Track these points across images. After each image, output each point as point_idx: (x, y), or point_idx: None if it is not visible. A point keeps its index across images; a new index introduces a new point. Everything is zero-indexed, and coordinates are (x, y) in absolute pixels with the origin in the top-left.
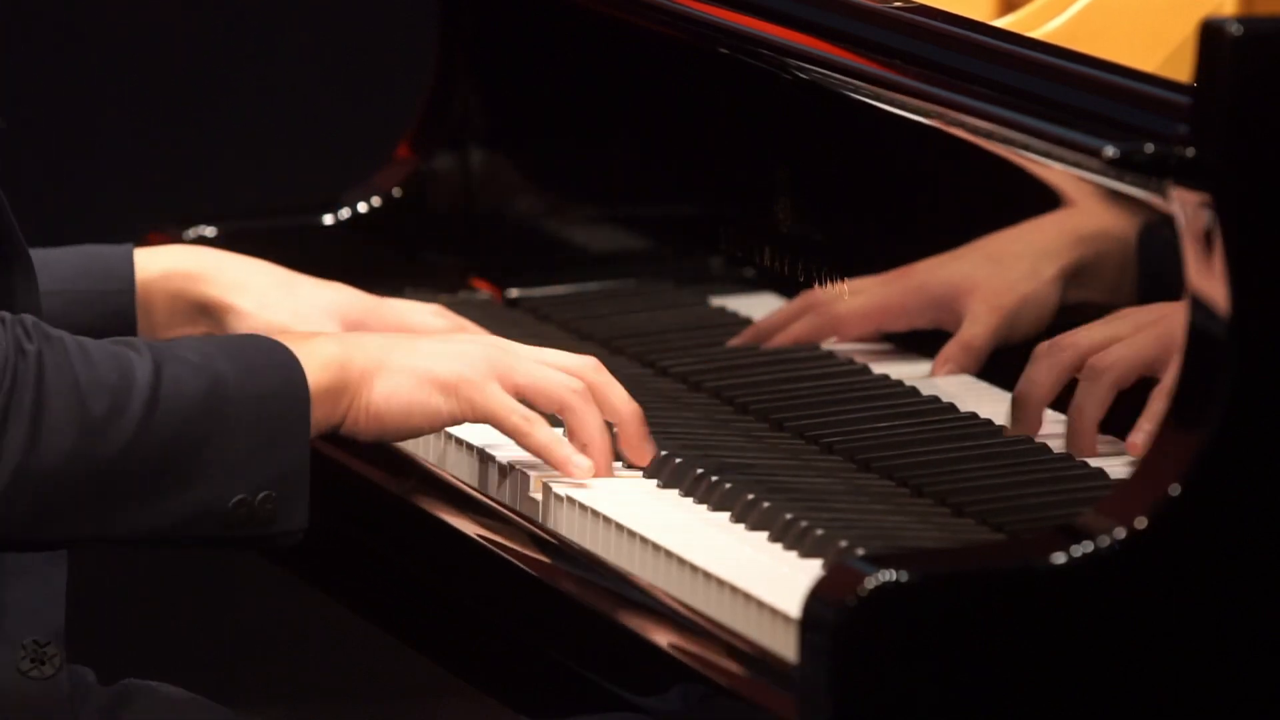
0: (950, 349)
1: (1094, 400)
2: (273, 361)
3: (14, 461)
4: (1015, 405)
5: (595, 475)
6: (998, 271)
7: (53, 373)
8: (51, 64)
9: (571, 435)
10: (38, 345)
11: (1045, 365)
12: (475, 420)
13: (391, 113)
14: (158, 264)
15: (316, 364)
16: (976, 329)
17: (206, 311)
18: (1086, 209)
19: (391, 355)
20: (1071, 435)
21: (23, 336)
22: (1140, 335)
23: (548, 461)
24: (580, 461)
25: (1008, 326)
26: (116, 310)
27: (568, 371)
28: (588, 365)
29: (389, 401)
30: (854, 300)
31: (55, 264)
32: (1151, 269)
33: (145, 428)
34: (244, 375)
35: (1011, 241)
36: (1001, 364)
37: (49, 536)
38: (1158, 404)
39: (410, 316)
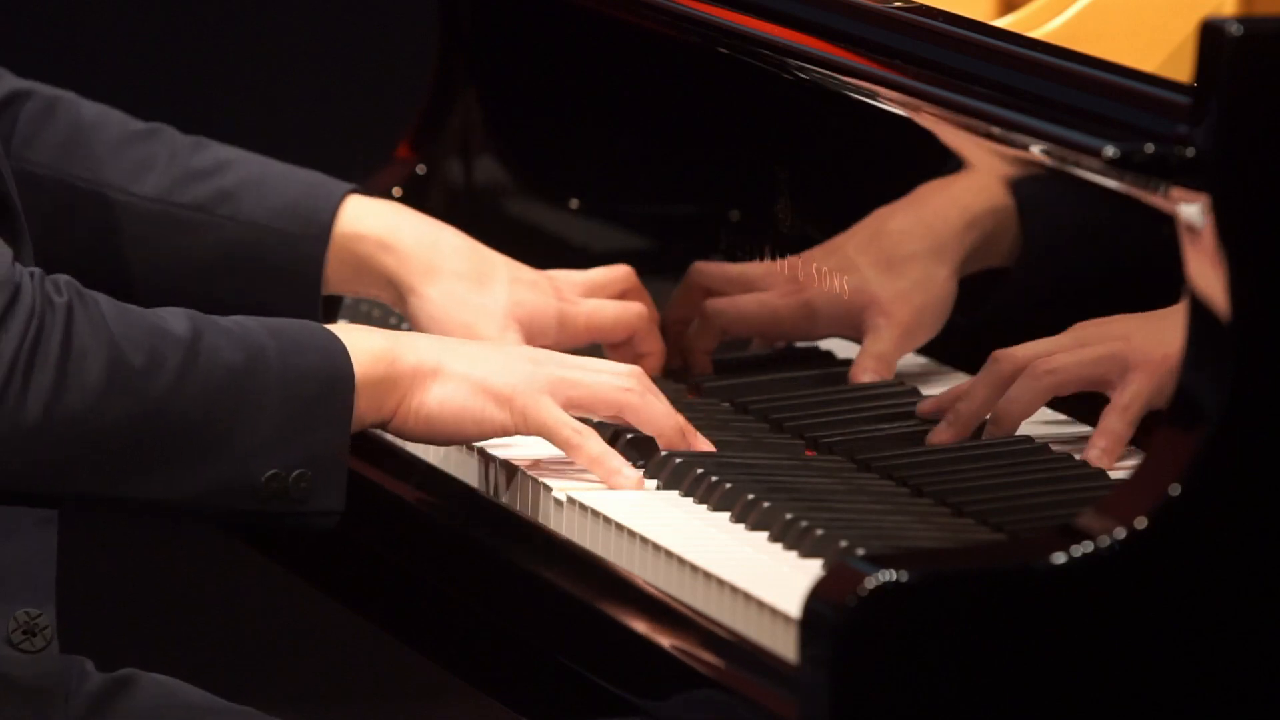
0: (864, 360)
1: (1026, 398)
2: (317, 344)
3: (37, 410)
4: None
5: (685, 446)
6: (892, 282)
7: (83, 324)
8: (52, 64)
9: (642, 429)
10: (68, 298)
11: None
12: (527, 433)
13: (391, 113)
14: (360, 221)
15: (365, 355)
16: (882, 345)
17: (392, 285)
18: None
19: (448, 360)
20: (993, 421)
21: (52, 290)
22: (1090, 350)
23: (599, 475)
24: (629, 473)
25: (911, 334)
26: (306, 257)
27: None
28: (635, 372)
29: (443, 406)
30: (745, 306)
31: (271, 186)
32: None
33: (179, 388)
34: (286, 352)
35: (901, 243)
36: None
37: (73, 490)
38: (1110, 419)
39: (605, 310)
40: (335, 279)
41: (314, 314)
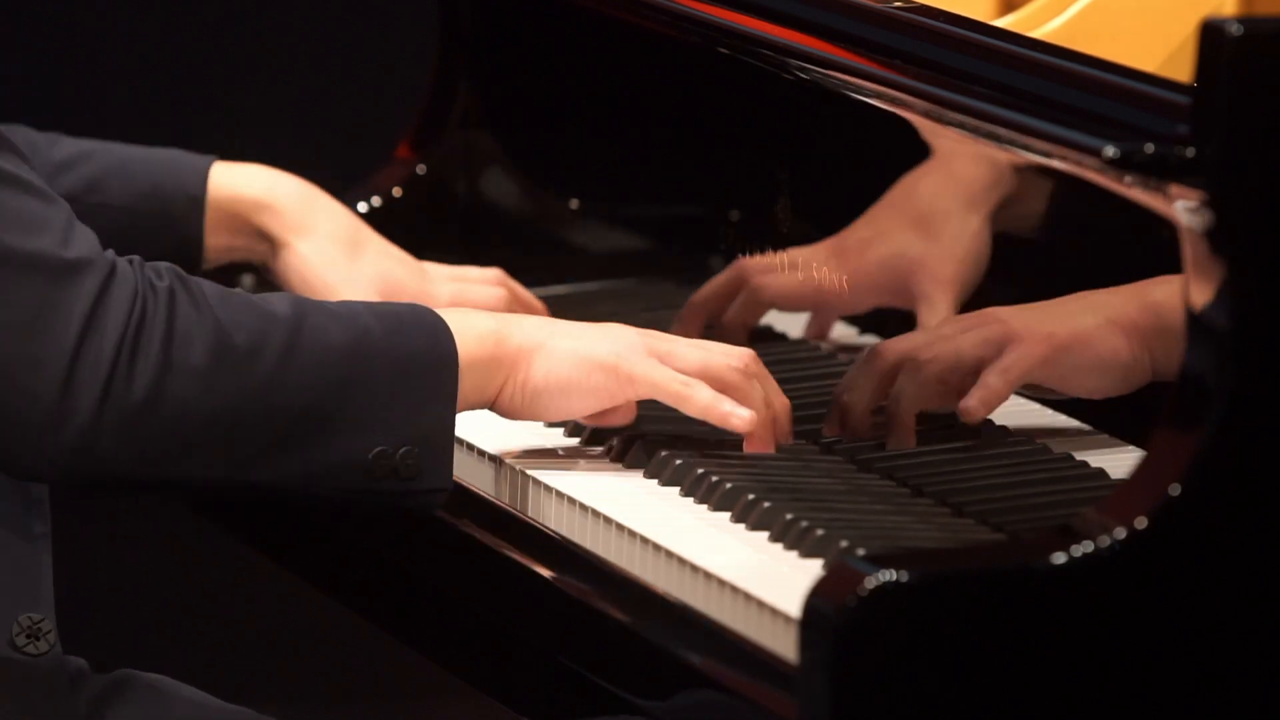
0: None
1: (911, 390)
2: (422, 324)
3: (145, 392)
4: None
5: (757, 448)
6: (933, 242)
7: (186, 308)
8: (52, 65)
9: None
10: (170, 282)
11: (866, 373)
12: (635, 396)
13: (391, 113)
14: (233, 184)
15: (471, 335)
16: (937, 313)
17: (266, 239)
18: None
19: (550, 336)
20: (886, 417)
21: (153, 275)
22: (967, 335)
23: (711, 419)
24: (742, 413)
25: (960, 291)
26: (184, 232)
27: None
28: (747, 355)
29: (548, 379)
30: (788, 279)
31: (135, 169)
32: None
33: (285, 369)
34: (390, 332)
35: (933, 201)
36: None
37: (179, 475)
38: (989, 375)
39: (469, 294)
40: (214, 246)
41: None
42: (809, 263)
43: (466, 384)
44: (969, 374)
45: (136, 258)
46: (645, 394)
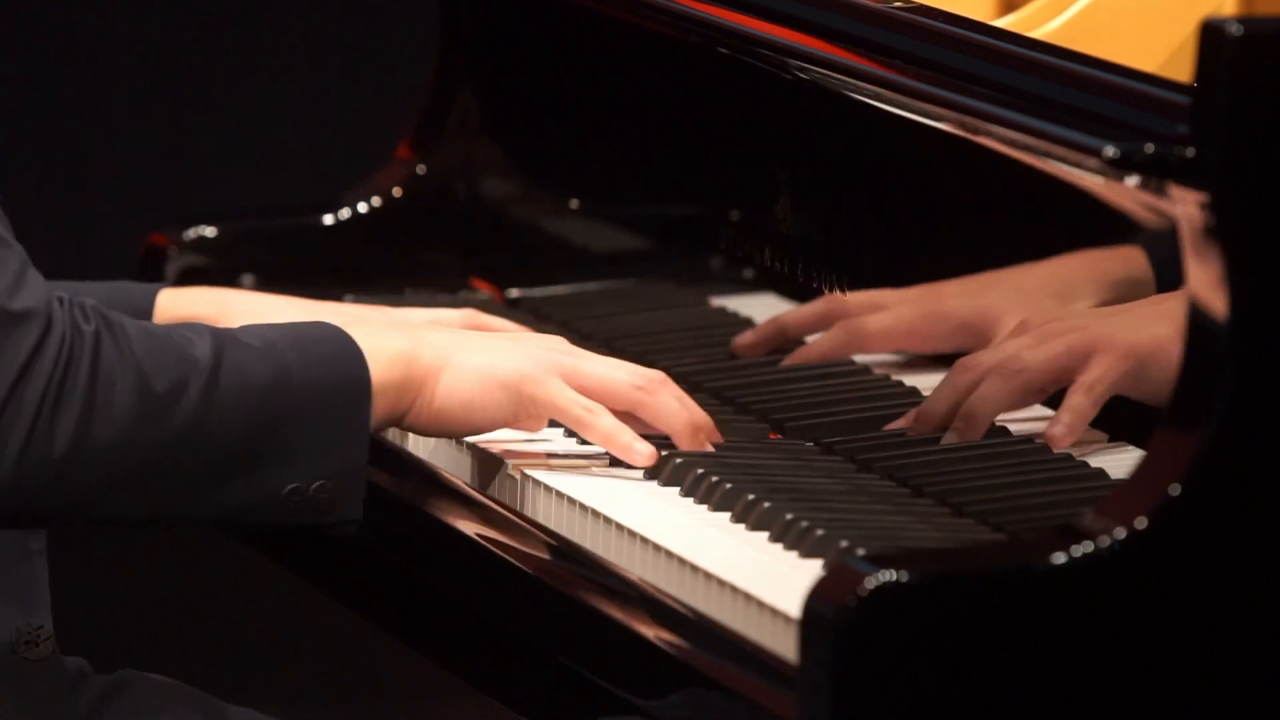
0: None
1: (997, 397)
2: (338, 353)
3: (67, 440)
4: (963, 419)
5: (699, 446)
6: (1028, 302)
7: (110, 352)
8: (52, 65)
9: (654, 427)
10: (95, 326)
11: (996, 385)
12: (537, 415)
13: (391, 113)
14: (181, 307)
15: (383, 358)
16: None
17: None
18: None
19: (457, 352)
20: (962, 419)
21: (80, 317)
22: (1052, 344)
23: (611, 450)
24: (641, 449)
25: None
26: None
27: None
28: (655, 375)
29: (451, 398)
30: (881, 319)
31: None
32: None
33: (206, 411)
34: (308, 365)
35: (1046, 279)
36: None
37: (102, 514)
38: (1075, 396)
39: None
40: None
41: None
42: (903, 307)
43: (378, 407)
44: (1052, 382)
45: (65, 296)
46: (548, 415)
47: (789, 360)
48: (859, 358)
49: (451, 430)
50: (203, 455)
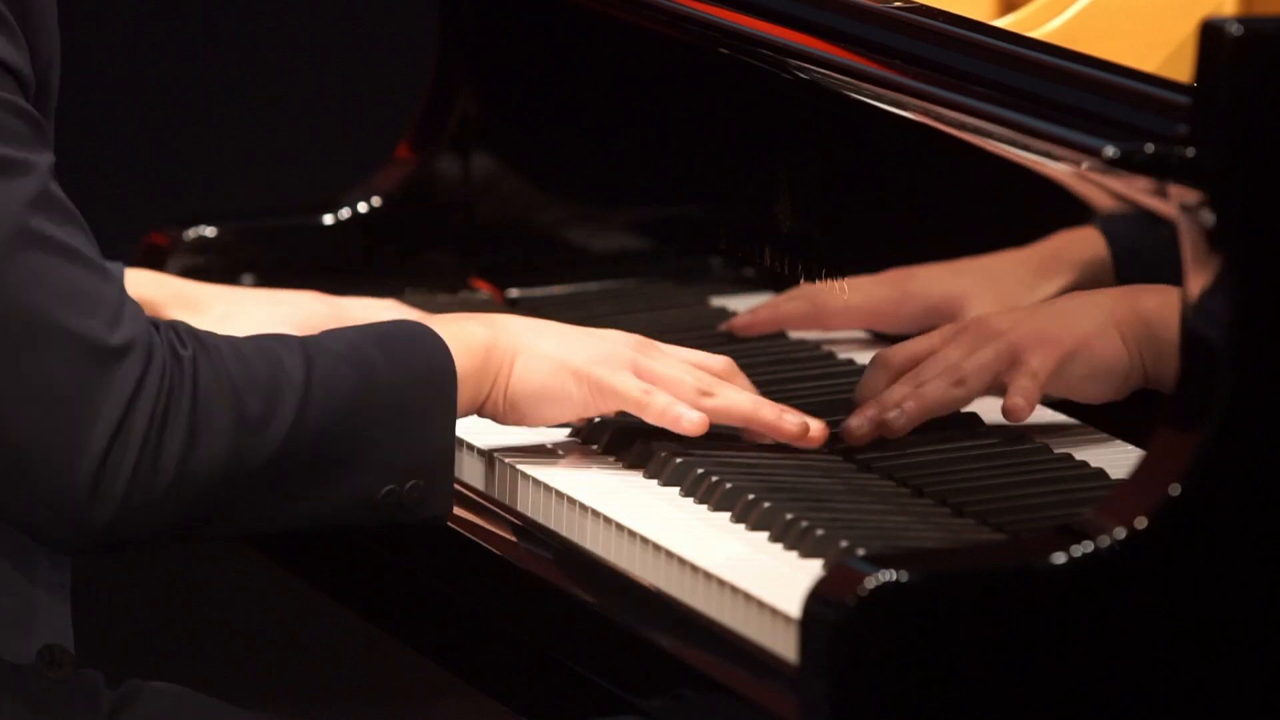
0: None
1: (912, 409)
2: (422, 347)
3: (173, 465)
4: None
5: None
6: (997, 289)
7: (207, 376)
8: None
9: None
10: (192, 350)
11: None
12: (605, 407)
13: (391, 113)
14: (134, 288)
15: (463, 347)
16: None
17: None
18: (1085, 221)
19: (531, 340)
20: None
21: (176, 342)
22: (974, 358)
23: (664, 424)
24: (691, 415)
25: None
26: None
27: (703, 369)
28: (724, 364)
29: (524, 386)
30: (848, 297)
31: None
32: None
33: (299, 426)
34: (393, 363)
35: (1013, 264)
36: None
37: (209, 533)
38: (1022, 379)
39: (378, 313)
40: None
41: None
42: (871, 286)
43: (462, 397)
44: (975, 394)
45: (163, 323)
46: (614, 405)
47: (741, 321)
48: (859, 358)
49: (524, 418)
50: (298, 468)
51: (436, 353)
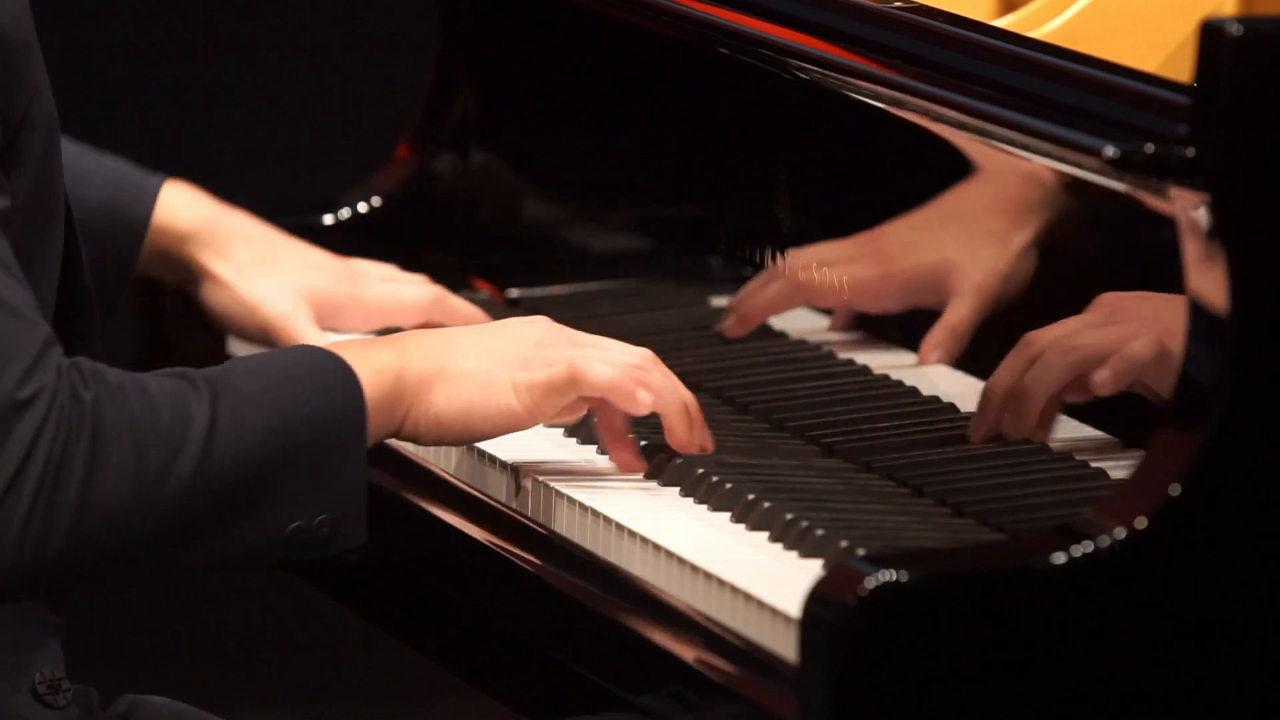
0: (937, 334)
1: (1050, 375)
2: (332, 381)
3: (69, 510)
4: (1019, 401)
5: (680, 440)
6: (971, 251)
7: (110, 418)
8: (52, 65)
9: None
10: (94, 393)
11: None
12: (547, 405)
13: (391, 113)
14: (170, 217)
15: (372, 373)
16: (962, 312)
17: (187, 269)
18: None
19: (450, 358)
20: (1017, 409)
21: (79, 384)
22: (1119, 328)
23: (613, 399)
24: (643, 397)
25: (991, 306)
26: (121, 255)
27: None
28: (646, 357)
29: (451, 406)
30: (828, 274)
31: (84, 181)
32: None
33: (203, 473)
34: (300, 403)
35: (979, 218)
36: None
37: (107, 574)
38: (1118, 361)
39: (397, 294)
40: (141, 271)
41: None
42: (844, 257)
43: (373, 424)
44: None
45: (65, 360)
46: (556, 400)
47: (730, 321)
48: (859, 358)
49: (455, 438)
50: (202, 512)
51: (348, 384)
